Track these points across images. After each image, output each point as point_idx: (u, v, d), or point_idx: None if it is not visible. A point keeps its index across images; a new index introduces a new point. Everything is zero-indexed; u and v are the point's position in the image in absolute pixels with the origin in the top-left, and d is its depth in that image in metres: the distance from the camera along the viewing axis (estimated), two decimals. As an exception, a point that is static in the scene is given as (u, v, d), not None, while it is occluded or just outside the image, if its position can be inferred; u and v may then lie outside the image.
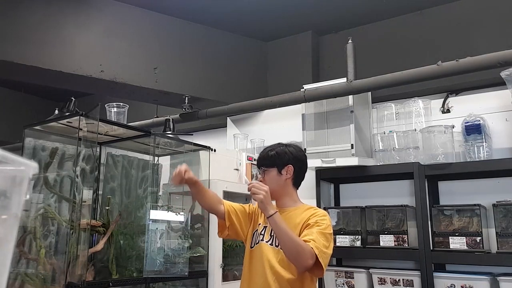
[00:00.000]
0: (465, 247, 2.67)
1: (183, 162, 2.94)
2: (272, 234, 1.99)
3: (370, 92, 3.34)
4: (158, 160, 2.93)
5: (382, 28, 3.60)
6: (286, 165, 2.06)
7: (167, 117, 3.39)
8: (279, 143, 2.17)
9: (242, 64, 3.95)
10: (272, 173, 2.06)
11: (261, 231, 2.05)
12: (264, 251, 1.99)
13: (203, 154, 2.94)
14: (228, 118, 4.05)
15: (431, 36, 3.33)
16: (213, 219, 2.77)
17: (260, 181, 2.08)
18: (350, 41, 3.21)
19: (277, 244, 1.96)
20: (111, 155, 2.77)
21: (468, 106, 3.06)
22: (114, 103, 2.75)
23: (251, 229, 2.13)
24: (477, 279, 2.59)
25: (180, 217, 2.65)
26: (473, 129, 2.88)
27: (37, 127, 2.51)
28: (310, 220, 1.94)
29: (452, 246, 2.71)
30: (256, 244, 2.04)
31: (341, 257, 3.28)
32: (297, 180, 2.11)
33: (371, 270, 2.93)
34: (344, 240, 3.03)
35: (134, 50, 3.37)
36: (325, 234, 1.89)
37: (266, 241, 2.00)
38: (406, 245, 2.82)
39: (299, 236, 1.90)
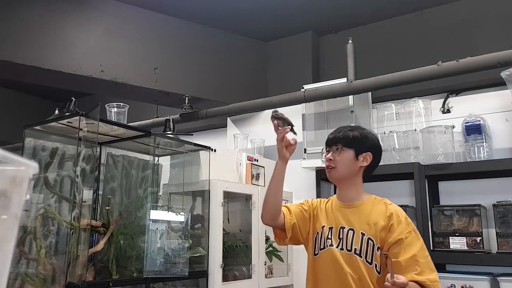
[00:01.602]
0: (465, 247, 2.67)
1: (183, 162, 2.96)
2: (341, 237, 1.76)
3: (370, 92, 3.34)
4: (158, 160, 2.93)
5: (382, 28, 3.60)
6: (365, 151, 1.81)
7: (167, 117, 3.39)
8: (355, 125, 1.94)
9: (242, 64, 3.94)
10: (347, 155, 1.79)
11: (328, 235, 1.80)
12: (334, 256, 1.74)
13: (203, 154, 2.93)
14: (228, 118, 4.05)
15: (431, 36, 3.33)
16: (213, 219, 2.78)
17: (330, 159, 1.81)
18: (350, 41, 3.20)
19: (348, 248, 1.73)
20: (111, 155, 2.77)
21: (468, 106, 3.07)
22: (114, 103, 2.75)
23: (311, 233, 1.88)
24: (477, 279, 2.59)
25: (180, 217, 2.65)
26: (473, 129, 2.88)
27: (37, 127, 2.51)
28: (394, 229, 1.67)
29: (452, 246, 2.71)
30: (322, 250, 1.80)
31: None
32: (368, 172, 1.85)
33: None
34: (344, 240, 3.03)
35: (134, 50, 3.37)
36: (422, 248, 1.65)
37: (335, 246, 1.75)
38: (406, 245, 2.82)
39: (386, 258, 1.63)
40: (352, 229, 1.75)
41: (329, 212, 1.86)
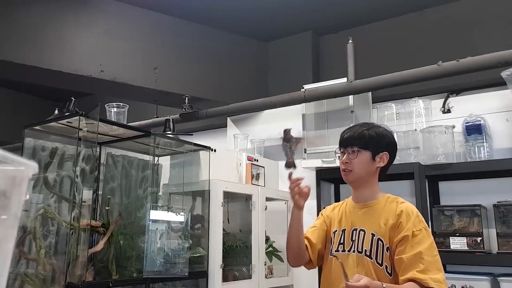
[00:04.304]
0: (466, 248, 2.66)
1: (183, 162, 2.95)
2: (354, 239, 1.72)
3: (370, 92, 3.33)
4: (158, 160, 2.93)
5: (382, 28, 3.60)
6: (382, 151, 1.75)
7: (167, 117, 3.39)
8: (369, 123, 1.84)
9: (242, 64, 3.94)
10: (364, 157, 1.73)
11: (340, 239, 1.76)
12: (340, 262, 1.67)
13: (203, 154, 2.93)
14: (228, 118, 4.05)
15: (431, 36, 3.33)
16: (213, 219, 2.77)
17: (346, 162, 1.74)
18: (350, 41, 3.20)
19: (359, 250, 1.69)
20: (111, 155, 2.77)
21: (469, 106, 3.06)
22: (114, 103, 2.74)
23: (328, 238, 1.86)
24: (477, 280, 2.59)
25: (180, 217, 2.64)
26: (474, 129, 2.88)
27: (37, 127, 2.50)
28: (402, 227, 1.62)
29: (452, 246, 2.70)
30: (336, 252, 1.77)
31: (341, 257, 3.27)
32: (385, 171, 1.79)
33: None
34: (344, 241, 3.02)
35: (134, 50, 3.37)
36: (431, 247, 1.58)
37: (347, 251, 1.72)
38: (407, 246, 2.81)
39: (394, 254, 1.60)
40: (364, 230, 1.71)
41: (343, 214, 1.83)
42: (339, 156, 1.82)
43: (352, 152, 1.74)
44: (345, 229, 1.77)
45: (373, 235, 1.67)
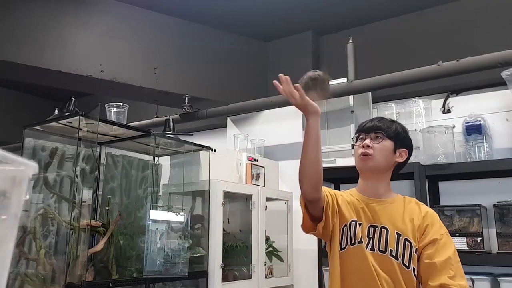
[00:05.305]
0: (466, 248, 2.67)
1: (183, 162, 2.95)
2: (371, 236, 1.61)
3: (370, 92, 3.33)
4: (158, 160, 2.93)
5: (382, 28, 3.60)
6: (403, 147, 1.70)
7: (167, 117, 3.39)
8: (394, 119, 1.80)
9: (242, 64, 3.94)
10: (387, 145, 1.67)
11: (355, 230, 1.63)
12: (365, 255, 1.58)
13: (203, 154, 2.93)
14: (228, 118, 4.05)
15: (431, 36, 3.33)
16: (213, 219, 2.77)
17: (368, 146, 1.66)
18: (350, 41, 3.20)
19: (382, 249, 1.58)
20: (111, 155, 2.77)
21: (469, 106, 3.06)
22: (114, 103, 2.74)
23: (338, 224, 1.65)
24: (477, 280, 2.59)
25: (180, 217, 2.64)
26: (474, 129, 2.88)
27: (37, 127, 2.51)
28: (428, 230, 1.58)
29: (452, 246, 2.70)
30: (353, 245, 1.62)
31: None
32: (398, 170, 1.74)
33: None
34: (344, 241, 3.02)
35: (134, 50, 3.37)
36: (456, 253, 1.56)
37: (364, 246, 1.61)
38: (407, 246, 2.81)
39: (421, 256, 1.57)
40: (386, 228, 1.61)
41: (354, 206, 1.69)
42: (355, 141, 1.74)
43: (376, 137, 1.68)
44: (361, 223, 1.64)
45: (398, 234, 1.59)
